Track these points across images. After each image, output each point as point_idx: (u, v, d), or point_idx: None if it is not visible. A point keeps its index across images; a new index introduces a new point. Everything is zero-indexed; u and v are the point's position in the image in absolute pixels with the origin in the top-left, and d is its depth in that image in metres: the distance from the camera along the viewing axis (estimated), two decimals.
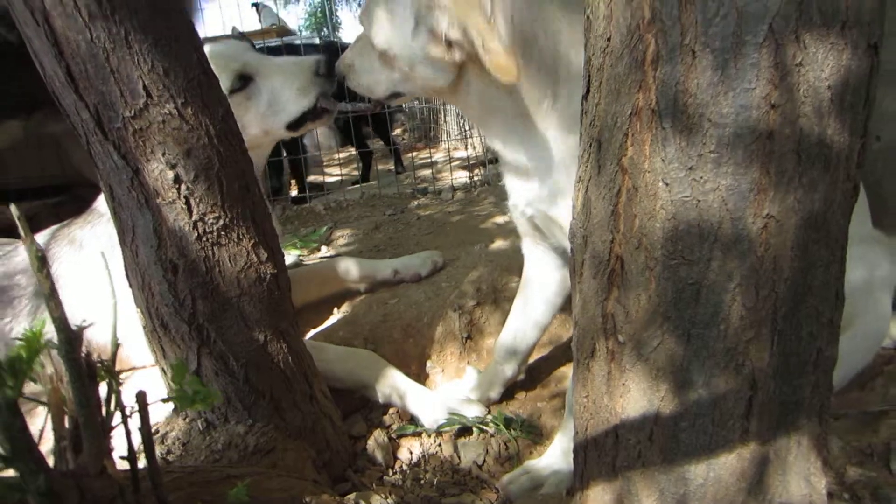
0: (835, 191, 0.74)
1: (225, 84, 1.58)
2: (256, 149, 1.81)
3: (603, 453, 0.93)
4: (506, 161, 1.42)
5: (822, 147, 0.71)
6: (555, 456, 1.46)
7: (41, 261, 0.73)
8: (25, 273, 1.86)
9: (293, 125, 1.88)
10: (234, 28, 4.10)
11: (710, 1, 0.65)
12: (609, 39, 0.74)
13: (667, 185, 0.74)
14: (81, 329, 0.76)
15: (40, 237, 1.95)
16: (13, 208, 0.74)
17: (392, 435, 1.69)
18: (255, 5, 9.40)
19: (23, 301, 1.83)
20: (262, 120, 1.83)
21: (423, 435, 1.66)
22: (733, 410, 0.82)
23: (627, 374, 0.86)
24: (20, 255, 1.91)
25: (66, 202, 3.26)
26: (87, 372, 0.75)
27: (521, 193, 1.42)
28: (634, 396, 0.86)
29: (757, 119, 0.68)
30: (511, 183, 1.46)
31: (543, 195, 1.34)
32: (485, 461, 1.59)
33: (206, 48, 1.26)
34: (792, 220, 0.74)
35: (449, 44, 1.21)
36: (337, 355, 1.80)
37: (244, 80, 1.80)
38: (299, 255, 2.74)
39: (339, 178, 5.41)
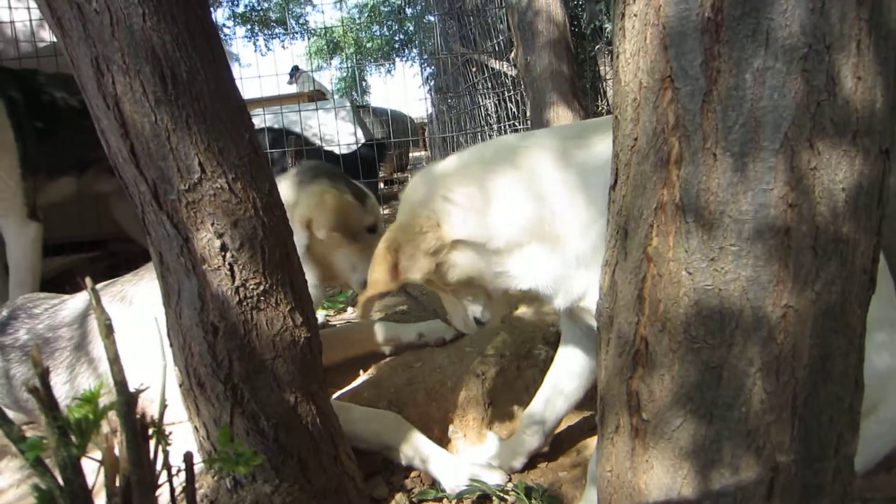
0: (851, 283, 0.79)
1: None
2: None
3: None
4: None
5: (838, 243, 0.76)
6: None
7: (108, 328, 0.79)
8: (70, 327, 1.94)
9: None
10: None
11: (730, 111, 0.72)
12: (636, 140, 0.81)
13: (690, 273, 0.79)
14: (138, 392, 0.81)
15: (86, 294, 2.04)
16: (88, 281, 0.80)
17: (413, 499, 1.70)
18: (295, 68, 9.84)
19: (64, 353, 1.91)
20: None
21: (445, 500, 1.67)
22: (755, 492, 0.84)
23: (651, 451, 0.89)
24: (66, 310, 1.99)
25: (102, 257, 3.40)
26: (141, 432, 0.81)
27: None
28: (658, 474, 0.89)
29: (775, 217, 0.74)
30: None
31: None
32: None
33: None
34: (810, 311, 0.78)
35: None
36: (362, 416, 1.84)
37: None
38: (326, 315, 2.80)
39: None
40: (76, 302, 2.11)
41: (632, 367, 0.88)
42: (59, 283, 3.29)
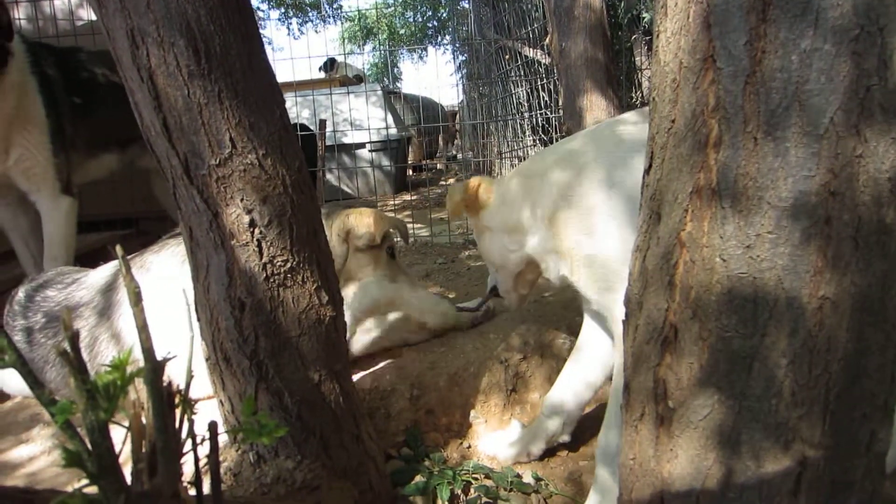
0: (892, 277, 0.76)
1: None
2: None
3: None
4: None
5: (881, 234, 0.73)
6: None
7: (137, 296, 0.80)
8: (90, 301, 2.01)
9: None
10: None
11: (774, 93, 0.70)
12: (673, 122, 0.79)
13: (724, 260, 0.77)
14: (165, 360, 0.82)
15: (114, 265, 2.09)
16: (118, 249, 0.81)
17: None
18: (331, 61, 9.94)
19: (83, 324, 1.98)
20: None
21: (460, 484, 1.68)
22: (781, 486, 0.83)
23: (676, 440, 0.87)
24: (85, 284, 2.06)
25: (133, 236, 3.46)
26: (167, 400, 0.81)
27: None
28: (682, 463, 0.88)
29: (816, 205, 0.71)
30: None
31: None
32: None
33: None
34: (847, 303, 0.76)
35: None
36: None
37: None
38: None
39: None
40: (97, 275, 2.16)
41: (659, 355, 0.87)
42: (92, 259, 3.36)
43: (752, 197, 0.73)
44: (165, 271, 1.98)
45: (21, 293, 2.22)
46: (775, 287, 0.75)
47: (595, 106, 2.49)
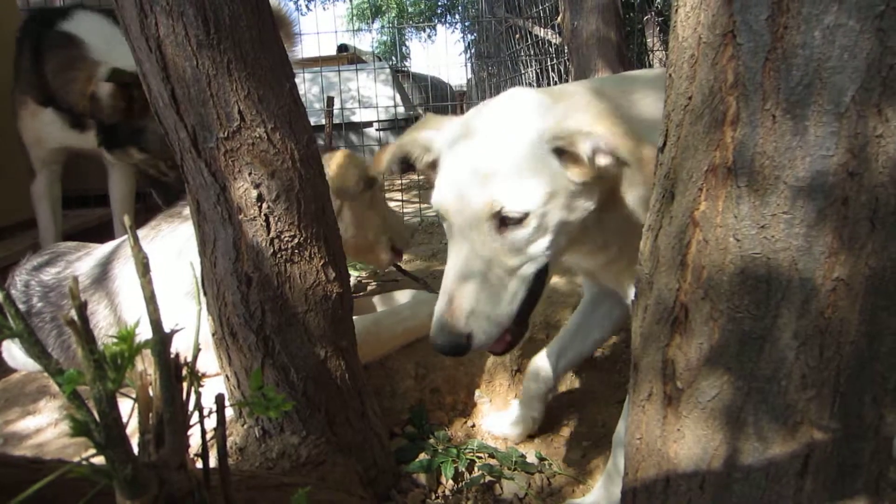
0: None
1: None
2: None
3: (652, 497, 0.94)
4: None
5: None
6: (598, 497, 1.46)
7: (145, 267, 0.79)
8: (90, 273, 2.03)
9: None
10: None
11: (794, 70, 0.68)
12: (690, 98, 0.78)
13: (738, 240, 0.76)
14: (173, 332, 0.82)
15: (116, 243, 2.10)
16: (126, 219, 0.80)
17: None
18: (343, 47, 9.92)
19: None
20: None
21: (464, 462, 1.68)
22: (788, 468, 0.82)
23: (683, 420, 0.87)
24: (87, 258, 2.07)
25: (140, 210, 3.46)
26: (175, 372, 0.81)
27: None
28: (688, 443, 0.87)
29: (833, 185, 0.70)
30: None
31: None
32: (526, 494, 1.60)
33: None
34: (862, 286, 0.75)
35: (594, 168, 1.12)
36: None
37: None
38: (358, 277, 2.81)
39: (399, 202, 5.51)
40: (99, 251, 2.17)
41: (669, 335, 0.86)
42: (99, 233, 3.37)
43: (768, 176, 0.72)
44: (165, 241, 1.99)
45: (18, 276, 2.22)
46: (789, 268, 0.74)
47: None
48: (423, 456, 1.69)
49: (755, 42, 0.70)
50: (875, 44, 0.66)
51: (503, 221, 1.13)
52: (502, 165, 1.12)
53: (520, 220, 1.12)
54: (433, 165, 1.30)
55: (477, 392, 1.97)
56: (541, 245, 1.16)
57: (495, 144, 1.15)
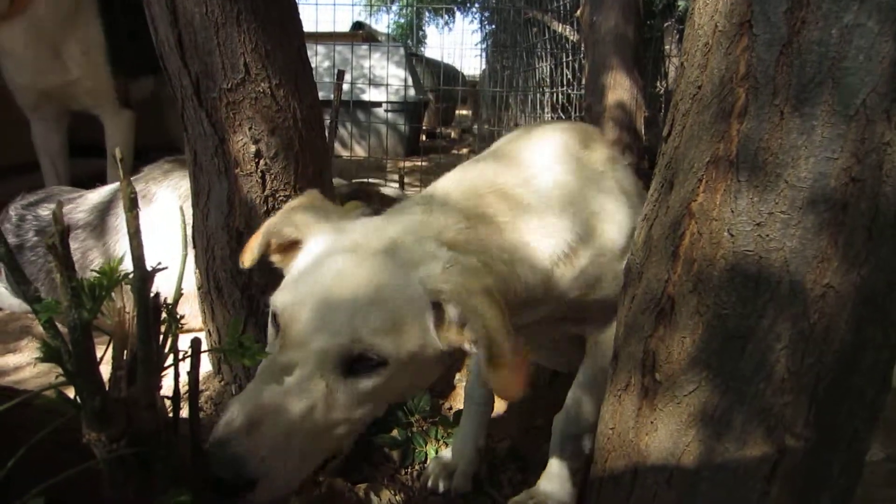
0: None
1: None
2: None
3: (619, 488, 0.93)
4: None
5: None
6: (552, 481, 1.45)
7: (132, 202, 0.78)
8: (85, 218, 2.02)
9: None
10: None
11: (808, 66, 0.67)
12: (700, 87, 0.77)
13: (732, 235, 0.75)
14: (155, 270, 0.81)
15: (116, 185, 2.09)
16: (117, 151, 0.79)
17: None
18: (358, 24, 9.88)
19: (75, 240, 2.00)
20: None
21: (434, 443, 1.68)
22: (757, 471, 0.82)
23: (658, 413, 0.87)
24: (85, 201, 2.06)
25: (140, 165, 3.47)
26: (153, 311, 0.80)
27: None
28: (661, 437, 0.87)
29: (834, 189, 0.69)
30: None
31: None
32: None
33: None
34: (851, 295, 0.74)
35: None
36: None
37: None
38: None
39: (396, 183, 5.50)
40: (94, 196, 2.16)
41: (653, 326, 0.85)
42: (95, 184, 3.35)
43: (769, 173, 0.71)
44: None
45: (13, 210, 2.22)
46: (780, 269, 0.74)
47: (618, 85, 2.44)
48: (396, 431, 1.69)
49: (771, 34, 0.69)
50: (892, 47, 0.65)
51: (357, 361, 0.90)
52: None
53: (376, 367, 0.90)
54: (292, 246, 1.10)
55: (457, 375, 1.97)
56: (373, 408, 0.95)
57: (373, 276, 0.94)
